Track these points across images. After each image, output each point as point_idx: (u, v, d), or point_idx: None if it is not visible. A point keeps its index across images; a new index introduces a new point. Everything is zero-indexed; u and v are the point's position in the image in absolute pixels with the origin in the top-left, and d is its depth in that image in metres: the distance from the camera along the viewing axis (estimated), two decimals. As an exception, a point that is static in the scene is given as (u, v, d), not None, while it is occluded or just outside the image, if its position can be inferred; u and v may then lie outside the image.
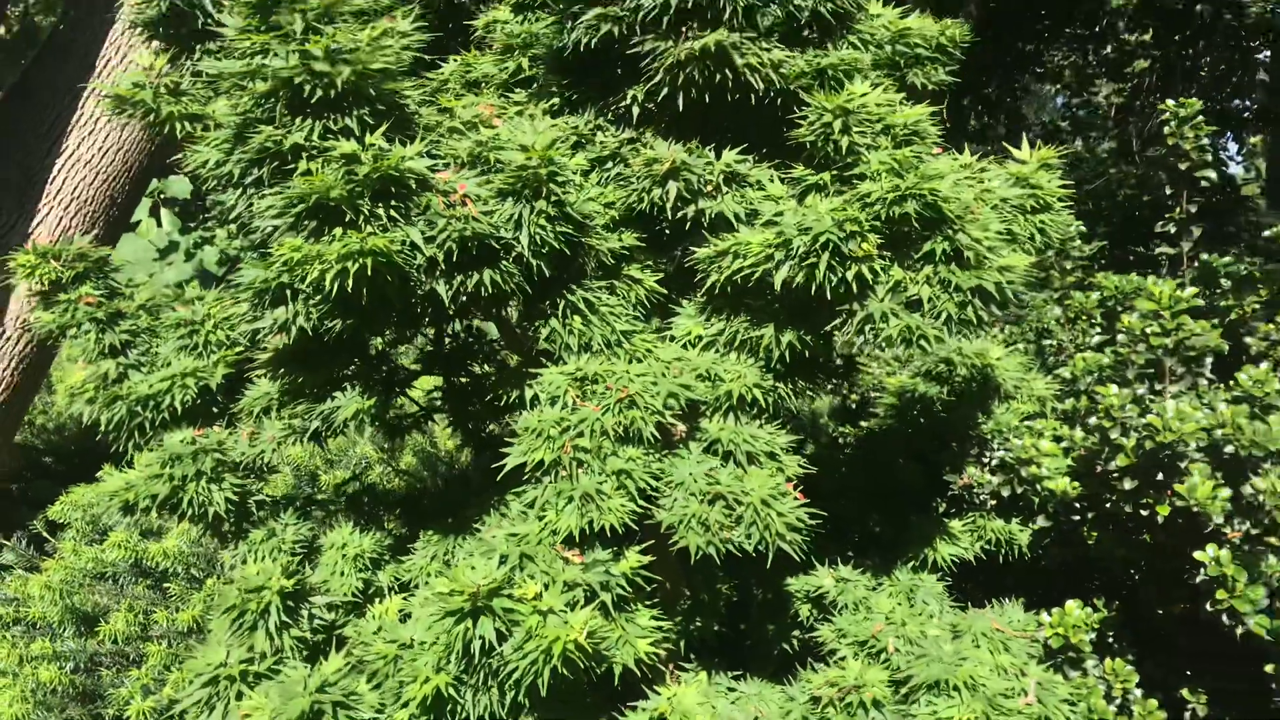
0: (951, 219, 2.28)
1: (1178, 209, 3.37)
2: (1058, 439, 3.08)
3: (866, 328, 2.29)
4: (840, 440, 3.93)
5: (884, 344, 2.27)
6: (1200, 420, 2.46)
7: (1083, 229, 3.67)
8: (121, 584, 4.19)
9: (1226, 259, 3.32)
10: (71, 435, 5.95)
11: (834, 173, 2.38)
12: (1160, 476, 2.56)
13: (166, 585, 4.20)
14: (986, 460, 3.17)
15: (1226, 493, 2.43)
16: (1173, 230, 3.45)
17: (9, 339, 4.46)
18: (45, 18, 11.56)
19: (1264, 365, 2.57)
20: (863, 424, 3.82)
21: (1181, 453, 2.49)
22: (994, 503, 3.11)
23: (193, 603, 4.04)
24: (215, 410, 3.05)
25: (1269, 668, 2.49)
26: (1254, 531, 2.57)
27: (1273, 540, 2.54)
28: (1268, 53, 8.86)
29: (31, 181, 4.51)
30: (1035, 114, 10.35)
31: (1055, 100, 13.73)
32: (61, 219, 4.55)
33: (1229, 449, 2.44)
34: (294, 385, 2.76)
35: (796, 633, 3.16)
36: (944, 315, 2.26)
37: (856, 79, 2.46)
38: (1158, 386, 2.80)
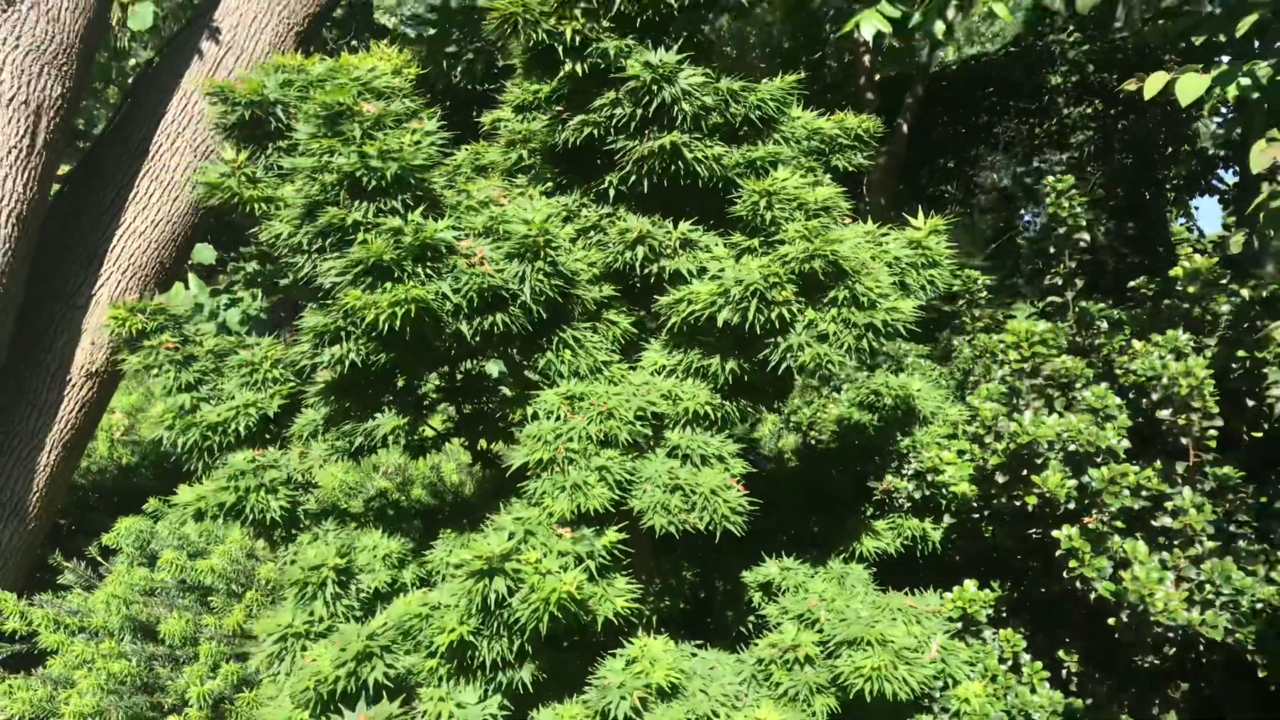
0: (850, 273, 3.00)
1: (1061, 265, 4.10)
2: (961, 452, 3.77)
3: (787, 355, 3.00)
4: (787, 460, 4.62)
5: (799, 369, 2.98)
6: (1052, 426, 3.16)
7: (989, 280, 4.39)
8: (171, 598, 4.81)
9: (1100, 306, 4.04)
10: (111, 477, 6.60)
11: (761, 238, 3.11)
12: (1025, 472, 3.25)
13: (211, 599, 4.83)
14: (904, 471, 3.86)
15: (1073, 482, 3.11)
16: (1060, 282, 4.17)
17: (74, 385, 5.13)
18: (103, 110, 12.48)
19: (1103, 385, 3.28)
20: (809, 445, 4.51)
21: (1039, 452, 3.18)
22: (909, 505, 3.80)
23: (235, 612, 4.66)
24: (270, 435, 3.73)
25: (1110, 621, 3.16)
26: (1104, 518, 3.27)
27: (1117, 523, 3.23)
28: (1207, 123, 9.72)
29: (95, 250, 5.22)
30: (999, 178, 11.21)
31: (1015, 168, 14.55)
32: (120, 281, 5.25)
33: (1072, 447, 3.14)
34: (342, 410, 3.45)
35: (751, 617, 3.82)
36: (845, 345, 2.98)
37: (779, 167, 3.20)
38: (1025, 402, 3.51)
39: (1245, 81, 3.26)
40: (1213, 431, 3.19)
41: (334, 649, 2.94)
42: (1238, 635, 3.00)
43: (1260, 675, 3.03)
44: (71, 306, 5.13)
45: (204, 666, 4.27)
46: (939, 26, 5.18)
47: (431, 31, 9.92)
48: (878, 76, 8.83)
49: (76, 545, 5.46)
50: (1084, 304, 3.98)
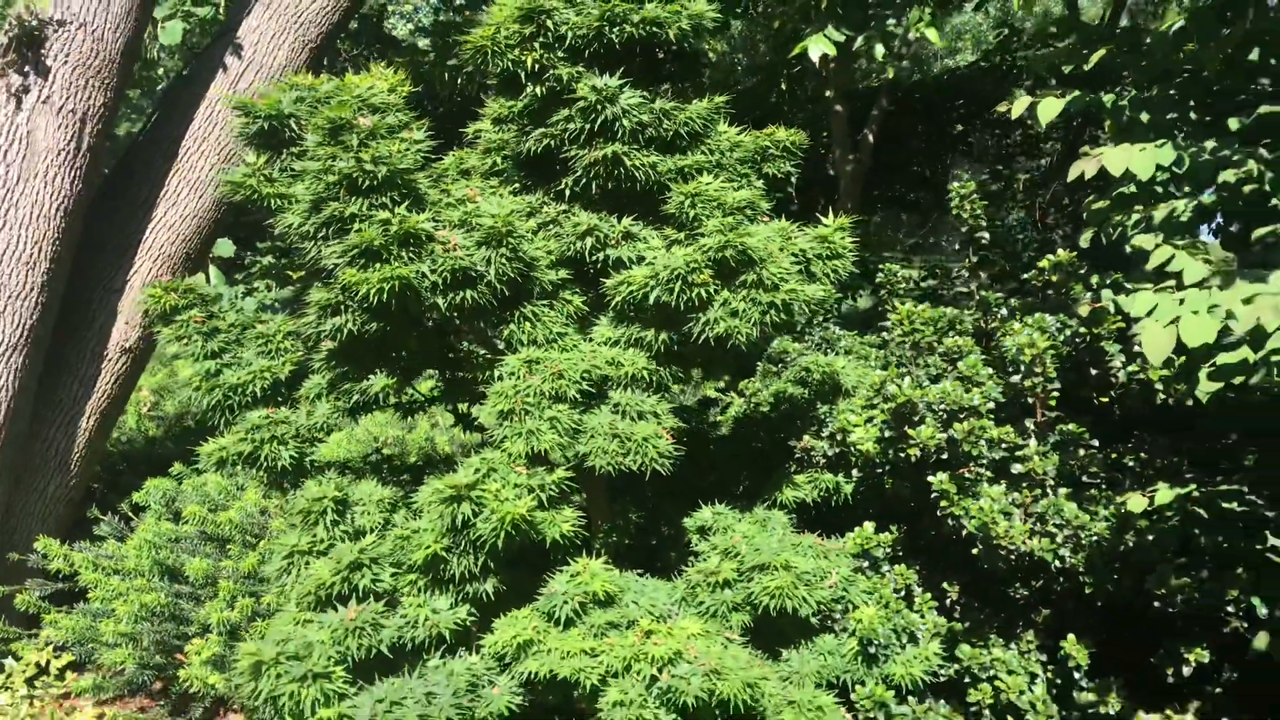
0: (758, 261, 3.66)
1: (966, 260, 4.74)
2: (870, 420, 4.42)
3: (706, 328, 3.66)
4: (723, 425, 5.27)
5: (716, 339, 3.64)
6: (928, 391, 3.80)
7: (909, 273, 5.03)
8: (194, 545, 5.49)
9: (997, 295, 4.69)
10: (139, 446, 7.29)
11: (687, 232, 3.77)
12: (905, 428, 3.90)
13: (229, 547, 5.50)
14: (822, 434, 4.51)
15: (943, 435, 3.76)
16: (966, 274, 4.81)
17: (110, 360, 5.82)
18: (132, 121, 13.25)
19: (974, 357, 3.92)
20: (747, 414, 5.16)
21: (917, 411, 3.83)
22: (824, 462, 4.45)
23: (250, 557, 5.33)
24: (282, 396, 4.39)
25: (974, 551, 3.81)
26: (977, 468, 3.92)
27: (986, 472, 3.88)
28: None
29: (129, 241, 5.91)
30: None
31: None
32: (151, 269, 5.94)
33: (941, 407, 3.78)
34: (342, 374, 4.12)
35: (691, 559, 4.47)
36: (753, 319, 3.63)
37: (704, 173, 3.86)
38: (908, 371, 4.15)
39: (1107, 100, 3.91)
40: (1055, 393, 3.82)
41: (332, 562, 3.62)
42: (1071, 561, 3.63)
43: (1088, 592, 3.66)
44: (109, 290, 5.82)
45: (223, 601, 4.94)
46: (879, 50, 5.84)
47: (431, 42, 10.61)
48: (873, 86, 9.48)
49: (109, 504, 6.14)
50: (983, 293, 4.62)
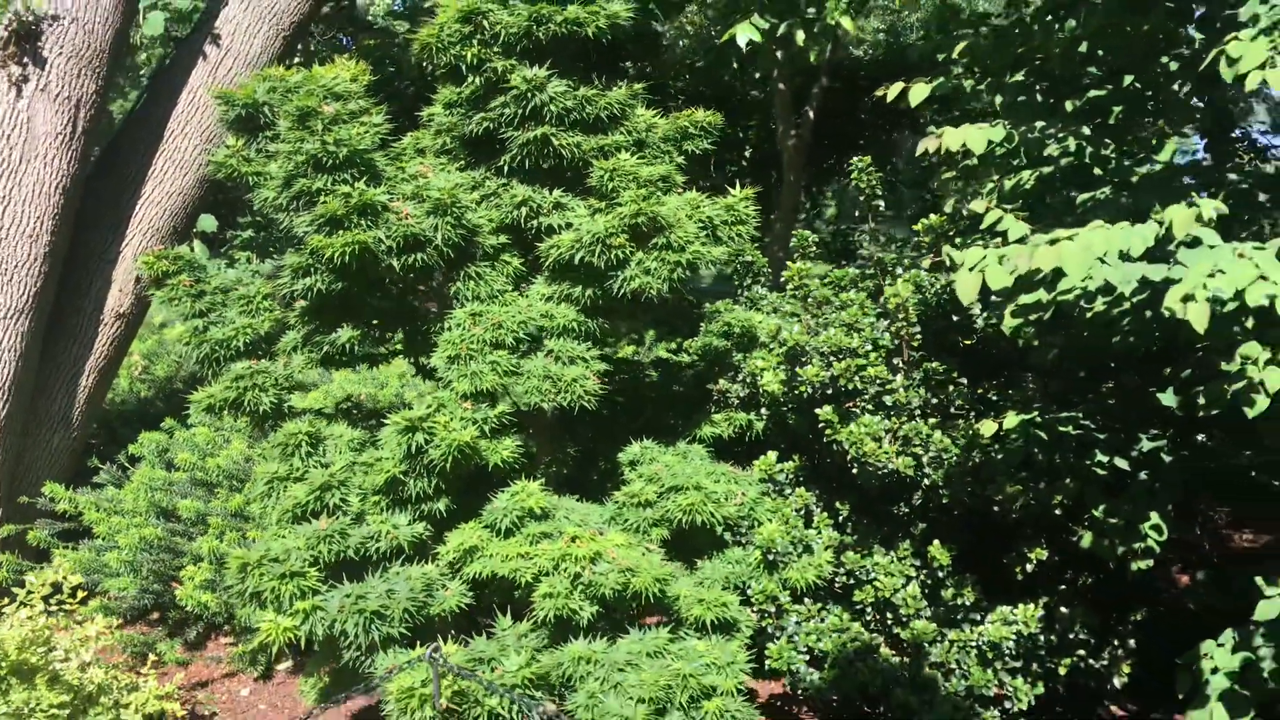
0: (667, 226, 4.29)
1: (868, 224, 5.37)
2: (780, 364, 5.06)
3: (624, 284, 4.29)
4: (656, 374, 5.92)
5: (631, 294, 4.28)
6: (819, 337, 4.47)
7: (817, 238, 5.66)
8: (185, 489, 6.11)
9: (892, 255, 5.33)
10: (132, 406, 7.90)
11: (608, 202, 4.40)
12: (796, 369, 4.56)
13: (217, 489, 6.13)
14: (738, 379, 5.16)
15: (827, 373, 4.42)
16: (867, 238, 5.44)
17: (105, 324, 6.42)
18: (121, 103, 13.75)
19: (855, 306, 4.58)
20: (675, 363, 5.80)
21: (805, 352, 4.49)
22: (738, 402, 5.11)
23: (236, 499, 5.96)
24: (262, 350, 5.01)
25: (854, 471, 4.48)
26: (861, 402, 4.58)
27: (869, 405, 4.54)
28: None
29: (121, 216, 6.49)
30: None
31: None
32: (141, 241, 6.53)
33: (825, 349, 4.44)
34: (314, 329, 4.74)
35: (623, 488, 5.12)
36: (663, 277, 4.27)
37: (624, 151, 4.48)
38: (799, 319, 4.82)
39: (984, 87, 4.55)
40: (917, 337, 4.48)
41: (306, 485, 4.25)
42: (932, 477, 4.30)
43: (944, 503, 4.33)
44: (103, 261, 6.41)
45: (212, 534, 5.58)
46: (799, 36, 6.46)
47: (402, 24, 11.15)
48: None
49: (107, 456, 6.75)
50: (880, 254, 5.27)
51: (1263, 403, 2.97)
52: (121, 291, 6.46)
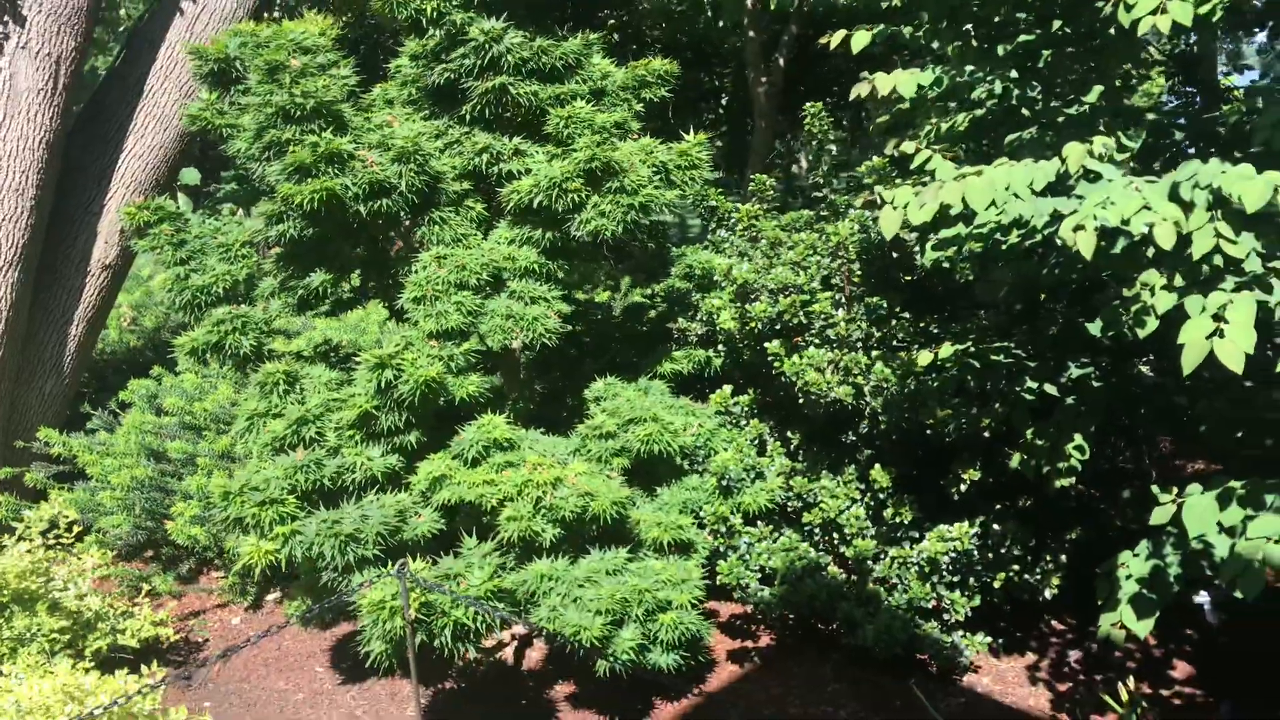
0: (620, 170, 4.52)
1: (819, 169, 5.60)
2: (733, 303, 5.31)
3: (581, 226, 4.53)
4: (621, 315, 6.19)
5: (588, 235, 4.52)
6: (770, 275, 4.73)
7: (774, 182, 5.89)
8: (174, 432, 6.38)
9: (843, 198, 5.57)
10: (121, 355, 8.16)
11: (564, 149, 4.63)
12: (746, 305, 4.83)
13: (205, 433, 6.40)
14: (696, 318, 5.42)
15: (774, 309, 4.69)
16: (821, 180, 5.67)
17: (92, 275, 6.65)
18: (103, 58, 13.82)
19: (802, 245, 4.83)
20: (641, 304, 6.06)
21: (753, 289, 4.75)
22: (697, 340, 5.37)
23: (222, 440, 6.23)
24: (240, 296, 5.25)
25: (801, 401, 4.75)
26: (809, 337, 4.85)
27: (813, 338, 4.81)
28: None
29: (104, 170, 6.70)
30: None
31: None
32: (124, 194, 6.74)
33: (772, 286, 4.70)
34: (289, 275, 4.98)
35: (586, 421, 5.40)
36: (617, 218, 4.51)
37: (579, 99, 4.70)
38: (751, 259, 5.07)
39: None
40: (858, 273, 4.74)
41: (284, 420, 4.52)
42: (872, 404, 4.59)
43: (882, 428, 4.62)
44: (89, 213, 6.63)
45: (201, 473, 5.85)
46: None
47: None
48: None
49: (99, 403, 7.02)
50: (832, 197, 5.51)
51: (1152, 323, 3.22)
52: (106, 243, 6.68)
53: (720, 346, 5.32)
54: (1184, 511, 3.46)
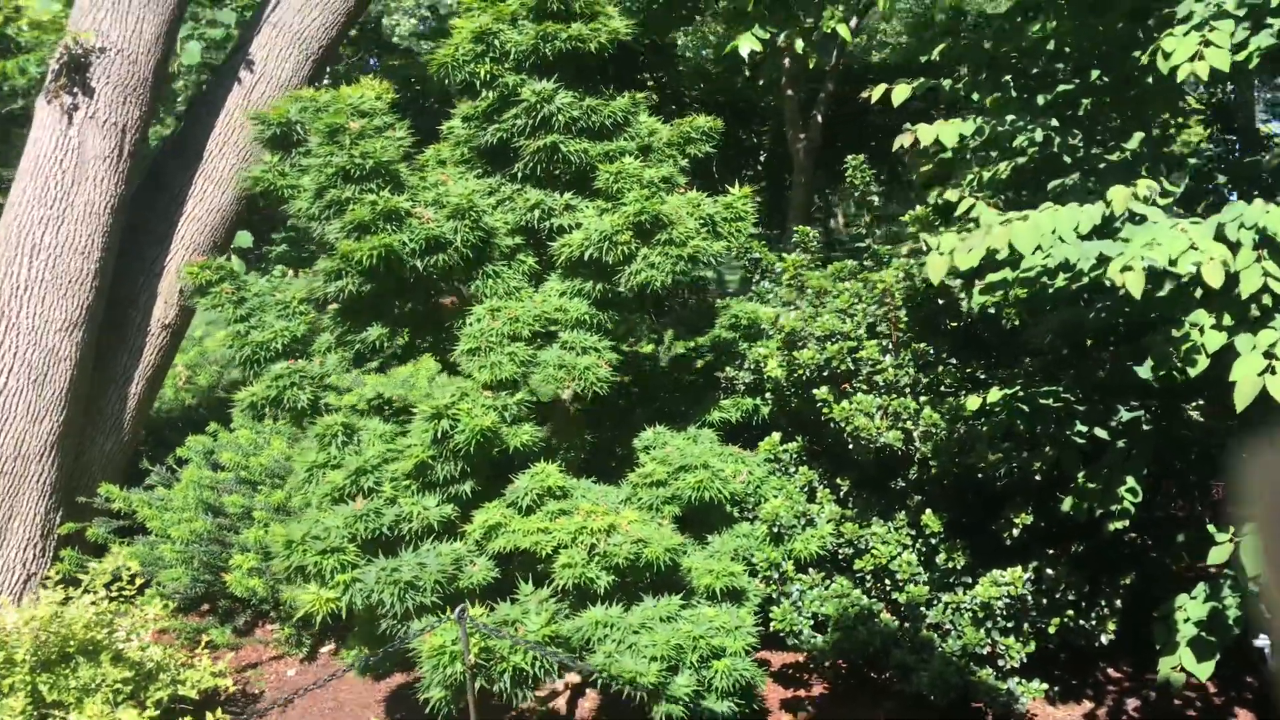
0: (669, 223, 4.64)
1: (862, 219, 5.68)
2: (780, 350, 5.38)
3: (632, 278, 4.64)
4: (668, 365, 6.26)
5: (638, 286, 4.62)
6: (817, 323, 4.80)
7: (818, 233, 5.99)
8: (232, 487, 6.52)
9: (884, 247, 5.65)
10: (178, 413, 8.35)
11: (614, 203, 4.75)
12: (794, 353, 4.90)
13: (260, 487, 6.53)
14: (744, 367, 5.49)
15: (821, 356, 4.75)
16: (863, 230, 5.76)
17: (153, 334, 6.85)
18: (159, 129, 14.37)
19: (847, 294, 4.90)
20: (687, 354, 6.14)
21: (801, 338, 4.82)
22: (745, 388, 5.43)
23: (278, 494, 6.35)
24: (298, 351, 5.40)
25: (850, 447, 4.79)
26: (856, 382, 4.90)
27: (863, 385, 4.86)
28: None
29: (165, 233, 6.93)
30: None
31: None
32: (184, 255, 6.96)
33: (820, 334, 4.77)
34: (347, 329, 5.12)
35: (636, 469, 5.46)
36: (666, 269, 4.61)
37: (627, 155, 4.84)
38: (797, 308, 5.15)
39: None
40: (904, 320, 4.79)
41: (344, 471, 4.63)
42: (922, 450, 4.61)
43: (933, 473, 4.64)
44: (151, 274, 6.85)
45: (258, 526, 5.97)
46: (799, 44, 6.79)
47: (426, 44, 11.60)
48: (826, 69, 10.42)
49: (156, 459, 7.18)
50: (875, 247, 5.59)
51: (1203, 362, 3.26)
52: (166, 303, 6.88)
53: (768, 394, 5.38)
54: (1241, 550, 3.46)
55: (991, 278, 3.76)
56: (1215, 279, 3.01)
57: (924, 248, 4.61)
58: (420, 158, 5.34)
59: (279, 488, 6.55)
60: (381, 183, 4.63)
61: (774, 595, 4.81)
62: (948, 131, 4.18)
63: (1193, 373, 3.27)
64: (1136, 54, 4.63)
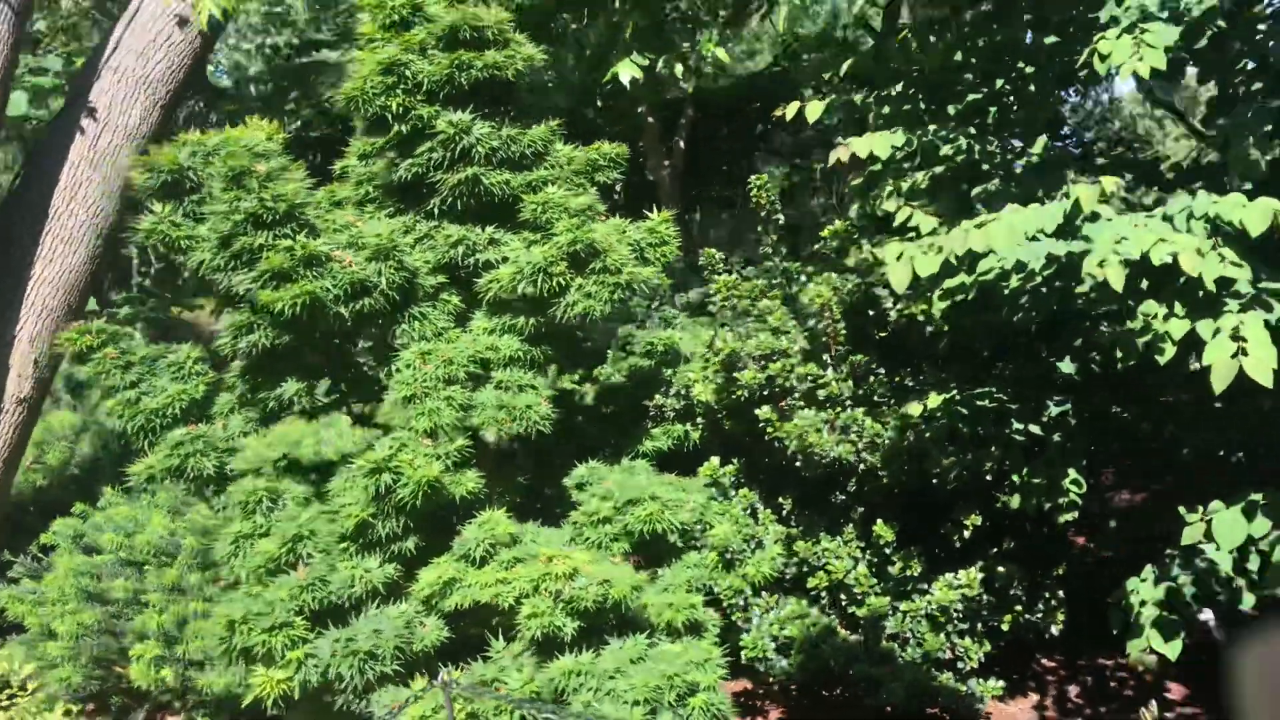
0: (602, 251, 4.51)
1: (768, 237, 5.73)
2: (706, 376, 5.33)
3: (567, 310, 4.48)
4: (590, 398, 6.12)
5: (573, 319, 4.47)
6: (749, 343, 4.76)
7: (723, 255, 5.99)
8: (115, 570, 5.94)
9: (796, 264, 5.69)
10: (27, 496, 7.60)
11: (542, 234, 4.59)
12: (733, 374, 4.85)
13: (146, 567, 5.98)
14: (670, 394, 5.40)
15: (763, 375, 4.72)
16: (771, 249, 5.80)
17: (7, 411, 6.20)
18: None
19: (781, 310, 4.91)
20: (608, 387, 6.01)
21: (740, 358, 4.78)
22: (674, 415, 5.34)
23: (171, 570, 5.83)
24: (197, 415, 4.98)
25: (799, 464, 4.77)
26: (792, 400, 4.89)
27: (800, 401, 4.85)
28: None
29: (11, 299, 6.31)
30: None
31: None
32: (35, 324, 6.33)
33: (758, 353, 4.75)
34: (256, 384, 4.76)
35: (573, 510, 5.28)
36: (604, 298, 4.48)
37: (549, 185, 4.69)
38: (732, 328, 5.13)
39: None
40: (843, 333, 4.84)
41: (276, 539, 4.27)
42: (870, 460, 4.64)
43: (884, 482, 4.68)
44: (0, 345, 6.21)
45: (155, 610, 5.46)
46: (679, 69, 6.80)
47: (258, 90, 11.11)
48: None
49: (17, 550, 6.49)
50: (785, 264, 5.62)
51: (1170, 350, 3.38)
52: (20, 376, 6.25)
53: (698, 419, 5.31)
54: (1213, 527, 3.59)
55: (949, 283, 3.80)
56: (1193, 266, 3.12)
57: (869, 259, 4.65)
58: (314, 198, 5.04)
59: (167, 565, 6.04)
60: (295, 227, 4.33)
61: (739, 622, 4.72)
62: (880, 143, 4.23)
63: (1161, 360, 3.39)
64: (1065, 58, 4.77)
